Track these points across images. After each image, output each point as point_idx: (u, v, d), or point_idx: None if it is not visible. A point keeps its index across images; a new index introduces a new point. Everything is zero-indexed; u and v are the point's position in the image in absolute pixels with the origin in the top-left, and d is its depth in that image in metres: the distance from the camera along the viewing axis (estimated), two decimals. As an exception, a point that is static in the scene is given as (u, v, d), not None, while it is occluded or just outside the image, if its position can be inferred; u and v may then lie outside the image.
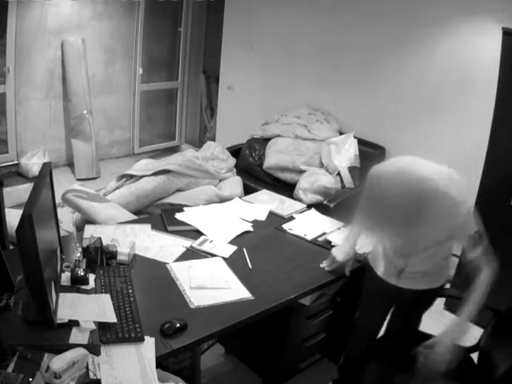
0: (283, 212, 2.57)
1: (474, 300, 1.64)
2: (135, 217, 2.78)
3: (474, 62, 3.17)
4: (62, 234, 1.93)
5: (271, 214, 2.54)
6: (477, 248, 1.65)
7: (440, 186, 1.53)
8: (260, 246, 2.18)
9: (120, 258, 1.87)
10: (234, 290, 1.80)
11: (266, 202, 2.68)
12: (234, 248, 2.12)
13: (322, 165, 3.73)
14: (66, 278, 1.69)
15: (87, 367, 1.31)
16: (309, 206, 2.74)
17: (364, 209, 1.67)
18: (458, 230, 1.66)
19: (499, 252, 1.69)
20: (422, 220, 1.55)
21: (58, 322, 1.43)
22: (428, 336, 1.81)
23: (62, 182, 4.26)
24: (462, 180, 1.67)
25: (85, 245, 1.81)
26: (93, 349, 1.37)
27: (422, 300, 1.93)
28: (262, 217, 2.49)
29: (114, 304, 1.57)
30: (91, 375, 1.30)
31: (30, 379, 1.21)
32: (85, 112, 4.68)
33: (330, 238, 2.29)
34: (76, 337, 1.42)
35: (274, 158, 3.85)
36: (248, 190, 3.42)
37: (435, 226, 1.63)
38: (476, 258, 1.67)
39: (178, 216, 2.35)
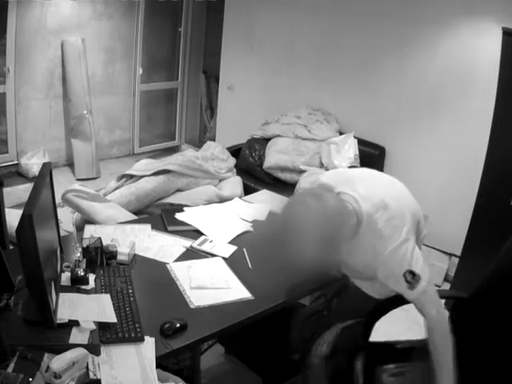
0: (283, 212, 2.56)
1: (441, 367, 1.41)
2: (135, 217, 2.78)
3: (474, 61, 3.17)
4: (62, 233, 1.93)
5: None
6: (413, 290, 1.43)
7: (363, 216, 1.43)
8: (260, 246, 2.18)
9: (120, 258, 1.87)
10: (234, 290, 1.80)
11: (265, 202, 2.68)
12: (233, 248, 2.12)
13: (322, 165, 3.73)
14: (66, 277, 1.69)
15: (87, 367, 1.31)
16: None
17: (280, 234, 1.49)
18: (379, 266, 1.47)
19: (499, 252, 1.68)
20: (338, 252, 1.46)
21: (58, 322, 1.43)
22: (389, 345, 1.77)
23: (62, 182, 4.25)
24: (400, 208, 1.47)
25: (85, 245, 1.81)
26: (93, 349, 1.37)
27: (386, 305, 1.80)
28: (262, 217, 2.49)
29: (114, 304, 1.57)
30: (91, 375, 1.30)
31: (30, 379, 1.21)
32: (85, 112, 4.68)
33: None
34: (76, 337, 1.41)
35: (274, 157, 3.85)
36: (248, 190, 3.42)
37: (355, 260, 1.54)
38: (414, 300, 1.46)
39: (178, 216, 2.35)
